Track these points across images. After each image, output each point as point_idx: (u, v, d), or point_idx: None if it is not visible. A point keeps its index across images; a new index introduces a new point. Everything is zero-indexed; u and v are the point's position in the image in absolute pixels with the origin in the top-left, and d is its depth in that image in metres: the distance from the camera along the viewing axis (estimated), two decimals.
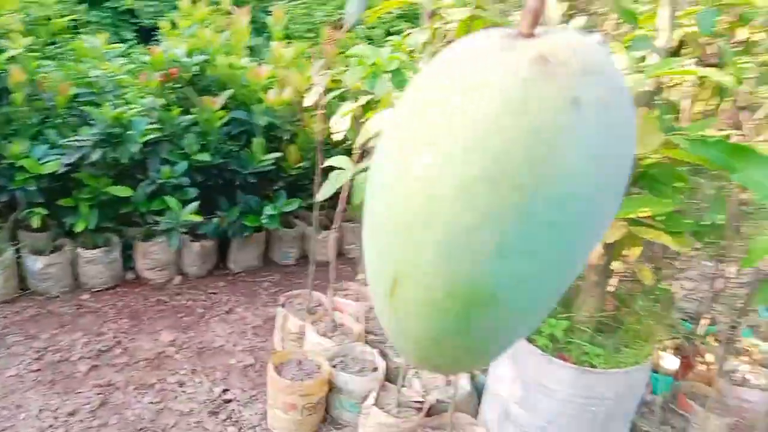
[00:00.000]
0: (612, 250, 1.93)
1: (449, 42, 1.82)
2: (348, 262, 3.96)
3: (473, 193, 0.35)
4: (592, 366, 1.97)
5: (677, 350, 2.61)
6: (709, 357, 2.75)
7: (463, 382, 2.43)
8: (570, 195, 0.35)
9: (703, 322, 2.77)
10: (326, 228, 3.78)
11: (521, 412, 2.12)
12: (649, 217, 1.56)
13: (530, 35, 0.38)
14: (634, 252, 1.91)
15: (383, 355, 2.61)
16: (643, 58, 1.55)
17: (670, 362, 2.61)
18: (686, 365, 2.57)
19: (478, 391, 2.44)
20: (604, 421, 2.05)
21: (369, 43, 4.54)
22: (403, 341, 0.43)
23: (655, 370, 2.54)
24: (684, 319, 2.99)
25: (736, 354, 2.88)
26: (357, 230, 3.95)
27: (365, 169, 1.65)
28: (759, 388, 2.77)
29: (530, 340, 2.04)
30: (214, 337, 3.06)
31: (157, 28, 4.24)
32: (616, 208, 0.40)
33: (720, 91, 1.94)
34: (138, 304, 3.28)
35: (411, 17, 5.94)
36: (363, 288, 3.09)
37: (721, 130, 2.08)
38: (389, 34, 5.71)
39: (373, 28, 6.10)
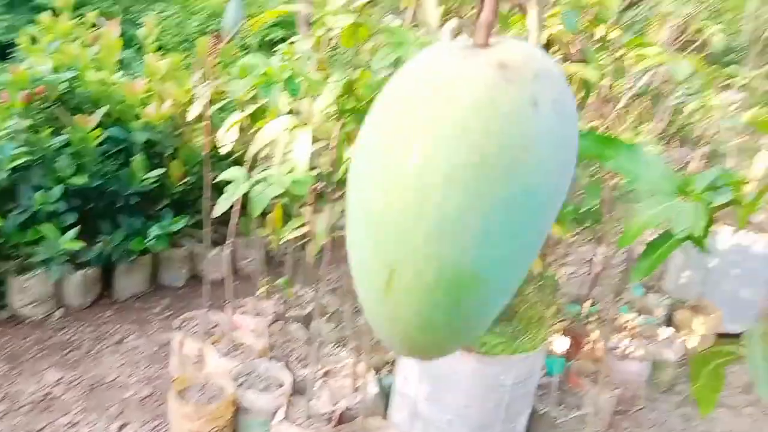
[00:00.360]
0: None
1: (334, 48, 1.84)
2: (243, 278, 3.86)
3: (459, 186, 0.39)
4: (493, 355, 2.05)
5: (567, 332, 2.78)
6: (594, 335, 2.95)
7: (371, 386, 2.44)
8: (539, 184, 0.40)
9: (586, 303, 2.97)
10: (217, 244, 3.67)
11: (429, 408, 2.17)
12: None
13: (485, 45, 0.43)
14: None
15: (289, 368, 2.58)
16: None
17: (561, 344, 2.77)
18: (576, 345, 2.74)
19: (385, 393, 2.47)
20: (507, 407, 2.14)
21: (245, 53, 4.46)
22: (398, 332, 0.46)
23: (549, 353, 2.68)
24: (570, 303, 3.19)
25: (617, 330, 3.11)
26: (250, 244, 3.86)
27: (259, 181, 1.62)
28: (638, 359, 3.00)
29: None
30: (105, 371, 2.88)
31: (13, 45, 3.94)
32: (566, 192, 0.45)
33: (585, 85, 2.09)
34: (15, 345, 3.02)
35: (287, 25, 5.89)
36: (262, 303, 3.03)
37: (590, 121, 2.24)
38: (271, 44, 5.64)
39: (248, 36, 6.01)
